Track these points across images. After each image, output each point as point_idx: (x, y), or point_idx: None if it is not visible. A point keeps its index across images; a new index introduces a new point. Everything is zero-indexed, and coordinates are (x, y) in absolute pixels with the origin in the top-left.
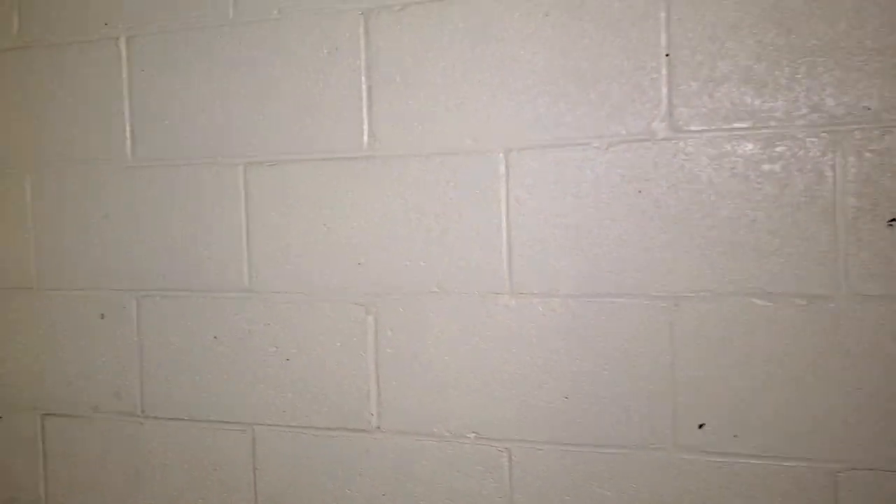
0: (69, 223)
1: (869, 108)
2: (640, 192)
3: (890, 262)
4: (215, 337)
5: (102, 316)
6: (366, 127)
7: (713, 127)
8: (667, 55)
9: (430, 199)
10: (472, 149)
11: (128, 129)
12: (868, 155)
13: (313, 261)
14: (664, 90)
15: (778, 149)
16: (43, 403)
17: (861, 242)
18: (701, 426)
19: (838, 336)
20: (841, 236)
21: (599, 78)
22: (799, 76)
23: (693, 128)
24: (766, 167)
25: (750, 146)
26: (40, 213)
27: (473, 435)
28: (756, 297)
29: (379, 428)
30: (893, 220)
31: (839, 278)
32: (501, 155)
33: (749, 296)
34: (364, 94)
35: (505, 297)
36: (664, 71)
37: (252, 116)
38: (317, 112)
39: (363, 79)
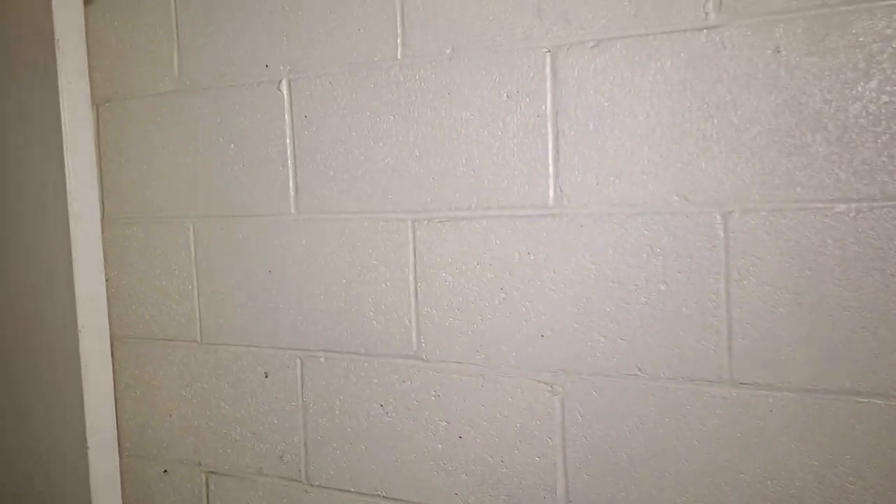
0: (232, 275)
1: None
2: None
3: None
4: (381, 405)
5: (266, 374)
6: (552, 180)
7: None
8: None
9: (629, 265)
10: (681, 208)
11: (291, 178)
12: None
13: (489, 329)
14: None
15: None
16: (207, 460)
17: None
18: None
19: None
20: None
21: (847, 127)
22: None
23: None
24: None
25: None
26: (204, 264)
27: None
28: None
29: None
30: None
31: None
32: (718, 216)
33: None
34: (550, 143)
35: (723, 387)
36: None
37: (422, 166)
38: (494, 162)
39: (549, 125)
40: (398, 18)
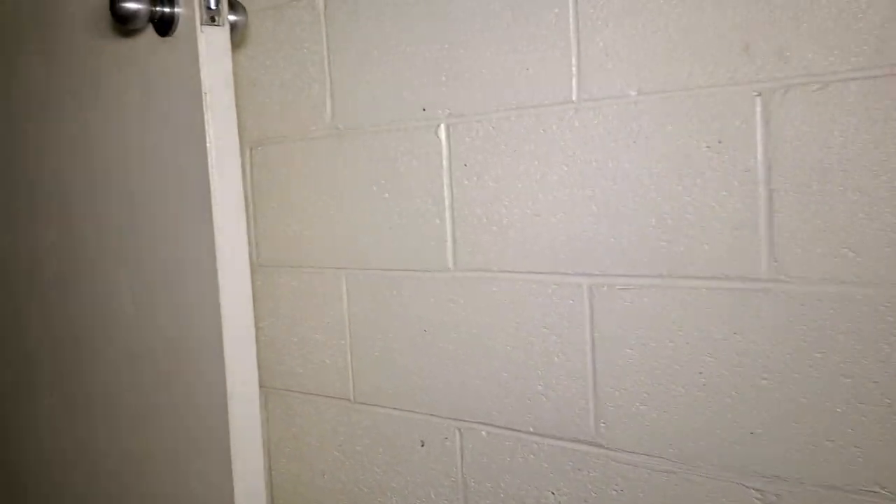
0: (386, 333)
1: None
2: None
3: None
4: (553, 493)
5: (422, 443)
6: (764, 248)
7: None
8: None
9: (867, 358)
10: None
11: (448, 231)
12: None
13: (685, 419)
14: None
15: None
16: None
17: None
18: None
19: None
20: None
21: None
22: None
23: None
24: None
25: None
26: (357, 318)
27: None
28: None
29: None
30: None
31: None
32: None
33: None
34: (761, 204)
35: None
36: None
37: (600, 223)
38: (691, 223)
39: (760, 182)
40: (573, 56)
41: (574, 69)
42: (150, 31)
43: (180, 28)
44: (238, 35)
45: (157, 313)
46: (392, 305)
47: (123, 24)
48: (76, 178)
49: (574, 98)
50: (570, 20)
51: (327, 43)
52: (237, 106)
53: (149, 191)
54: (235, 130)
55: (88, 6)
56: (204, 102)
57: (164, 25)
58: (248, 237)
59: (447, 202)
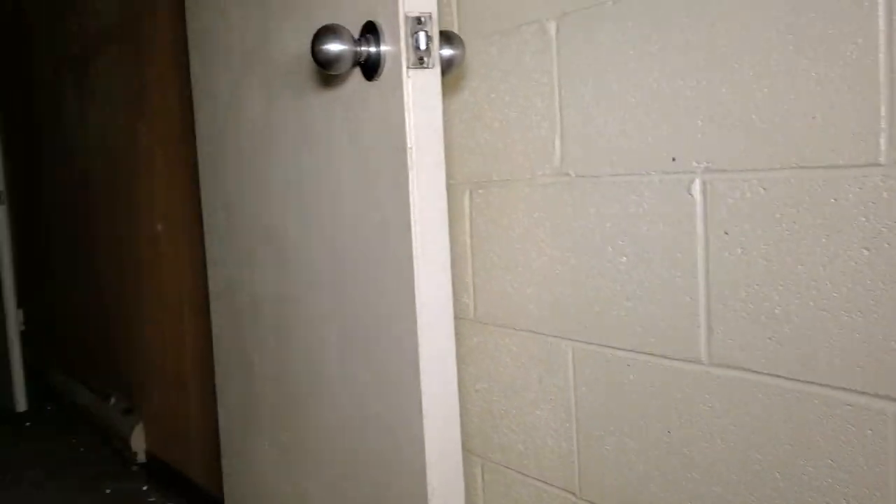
0: (621, 424)
1: None
2: None
3: None
4: None
5: None
6: None
7: None
8: None
9: None
10: None
11: (702, 314)
12: None
13: None
14: None
15: None
16: None
17: None
18: None
19: None
20: None
21: None
22: None
23: None
24: None
25: None
26: (584, 400)
27: None
28: None
29: None
30: None
31: None
32: None
33: None
34: None
35: None
36: None
37: None
38: None
39: None
40: (882, 103)
41: (883, 121)
42: (356, 74)
43: (386, 71)
44: (455, 70)
45: (359, 373)
46: (628, 392)
47: (326, 69)
48: (291, 223)
49: (882, 160)
50: (881, 53)
51: (558, 73)
52: (457, 144)
53: (355, 242)
54: (443, 187)
55: (301, 44)
56: (409, 158)
57: (370, 68)
58: (466, 289)
59: (701, 277)
